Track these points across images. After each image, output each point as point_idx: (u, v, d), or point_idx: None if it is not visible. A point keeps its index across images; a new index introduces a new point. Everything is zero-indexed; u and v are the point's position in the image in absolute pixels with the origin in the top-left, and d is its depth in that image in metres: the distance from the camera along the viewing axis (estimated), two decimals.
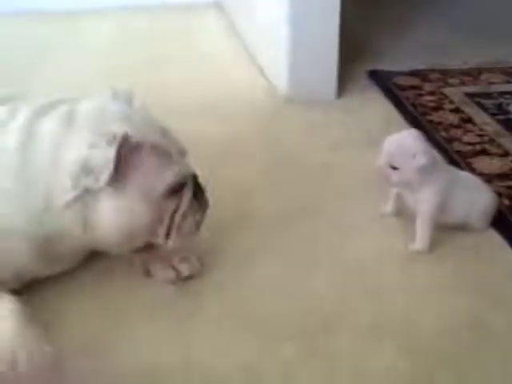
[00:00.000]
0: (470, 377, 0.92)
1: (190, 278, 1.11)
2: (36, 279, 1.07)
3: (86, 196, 0.98)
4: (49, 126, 1.01)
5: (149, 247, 1.10)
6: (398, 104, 1.87)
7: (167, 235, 1.07)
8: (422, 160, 1.14)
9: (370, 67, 2.15)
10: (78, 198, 0.98)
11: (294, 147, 1.63)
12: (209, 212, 1.12)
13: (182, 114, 1.77)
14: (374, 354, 0.95)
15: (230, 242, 1.23)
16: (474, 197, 1.22)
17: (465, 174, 1.30)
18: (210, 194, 1.12)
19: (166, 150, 1.03)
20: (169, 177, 1.03)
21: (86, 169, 0.96)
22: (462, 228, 1.23)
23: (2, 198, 0.99)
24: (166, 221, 1.06)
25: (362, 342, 0.98)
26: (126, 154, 0.97)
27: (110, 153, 0.95)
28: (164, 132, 1.06)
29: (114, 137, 0.96)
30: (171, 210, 1.05)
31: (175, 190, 1.05)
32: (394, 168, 1.16)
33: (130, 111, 1.06)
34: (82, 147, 0.97)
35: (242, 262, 1.17)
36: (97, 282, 1.12)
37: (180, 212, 1.07)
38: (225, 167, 1.50)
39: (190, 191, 1.08)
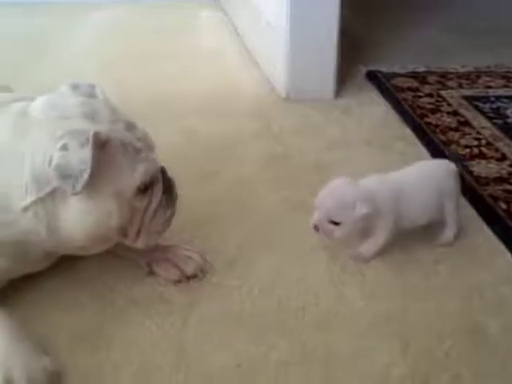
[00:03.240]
0: (466, 379, 0.91)
1: (194, 277, 1.10)
2: (16, 279, 1.05)
3: (49, 198, 0.93)
4: (1, 124, 0.97)
5: (153, 247, 1.08)
6: (396, 105, 1.87)
7: (137, 235, 1.03)
8: (363, 209, 1.07)
9: (368, 68, 2.15)
10: (39, 201, 0.93)
11: (291, 146, 1.62)
12: (204, 207, 1.10)
13: (179, 110, 1.78)
14: (370, 355, 0.95)
15: (227, 237, 1.22)
16: (430, 194, 1.16)
17: (415, 171, 1.21)
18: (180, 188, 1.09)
19: (134, 145, 0.98)
20: (138, 175, 0.97)
21: (62, 174, 0.90)
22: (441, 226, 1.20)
23: None
24: (137, 220, 1.01)
25: (358, 342, 0.97)
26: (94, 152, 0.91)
27: (86, 156, 0.89)
28: (130, 126, 1.01)
29: (87, 137, 0.90)
30: (142, 208, 1.01)
31: (145, 188, 1.00)
32: (335, 223, 1.10)
33: (93, 106, 1.00)
34: (48, 148, 0.91)
35: (238, 257, 1.16)
36: (93, 277, 1.11)
37: (151, 210, 1.02)
38: (222, 164, 1.50)
39: (160, 188, 1.03)
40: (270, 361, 0.94)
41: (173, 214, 1.07)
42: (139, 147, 0.99)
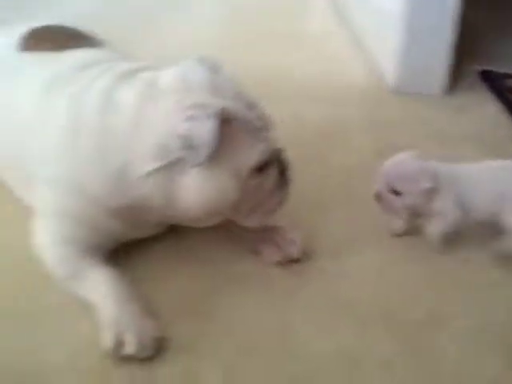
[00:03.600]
0: None
1: (296, 260, 1.09)
2: (125, 243, 1.07)
3: (170, 168, 0.95)
4: (130, 92, 0.99)
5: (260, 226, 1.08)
6: (509, 108, 1.79)
7: (249, 213, 1.04)
8: (426, 184, 1.08)
9: (482, 67, 2.06)
10: (161, 169, 0.95)
11: (396, 138, 1.58)
12: (311, 193, 1.09)
13: (287, 94, 1.76)
14: (478, 362, 0.92)
15: (332, 223, 1.21)
16: (498, 187, 1.13)
17: (481, 167, 1.18)
18: (294, 173, 1.08)
19: (255, 124, 0.99)
20: (257, 153, 0.98)
21: (187, 144, 0.92)
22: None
23: (80, 157, 0.99)
24: (251, 198, 1.02)
25: (466, 345, 0.94)
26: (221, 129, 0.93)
27: (211, 129, 0.91)
28: (251, 105, 1.01)
29: (214, 111, 0.91)
30: (257, 187, 1.01)
31: (262, 167, 1.00)
32: (397, 193, 1.10)
33: (217, 81, 1.01)
34: (175, 117, 0.94)
35: (342, 245, 1.15)
36: (198, 248, 1.12)
37: (265, 189, 1.03)
38: (329, 152, 1.48)
39: (276, 168, 1.04)
40: (374, 353, 0.92)
41: (286, 196, 1.07)
42: (259, 126, 1.00)
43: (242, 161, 0.97)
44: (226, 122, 0.94)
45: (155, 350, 0.90)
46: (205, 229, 1.09)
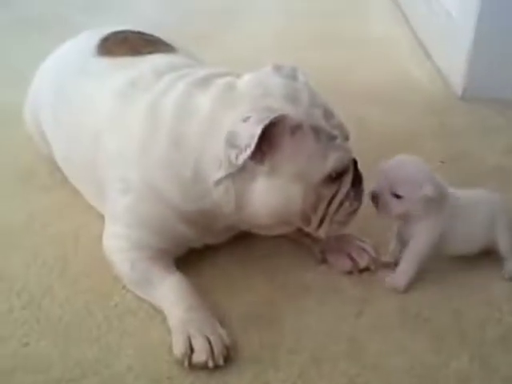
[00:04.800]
0: None
1: (366, 269, 1.08)
2: (195, 251, 1.08)
3: (239, 174, 0.95)
4: (206, 98, 0.99)
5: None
6: None
7: (320, 223, 1.01)
8: (429, 191, 1.01)
9: None
10: (230, 176, 0.95)
11: (466, 146, 1.54)
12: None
13: (351, 98, 1.74)
14: None
15: None
16: (489, 218, 1.07)
17: (474, 195, 1.12)
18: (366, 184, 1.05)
19: (329, 133, 0.97)
20: (329, 163, 0.96)
21: (230, 142, 0.92)
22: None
23: (156, 162, 0.99)
24: (321, 208, 1.00)
25: None
26: (284, 134, 0.92)
27: (256, 132, 0.89)
28: (328, 113, 1.00)
29: (268, 116, 0.90)
30: (328, 197, 0.99)
31: (335, 177, 0.99)
32: (397, 196, 1.03)
33: (294, 88, 1.00)
34: (237, 120, 0.94)
35: None
36: (267, 258, 1.12)
37: (337, 200, 1.00)
38: (390, 158, 1.44)
39: (349, 179, 1.01)
40: (449, 371, 0.89)
41: (358, 207, 1.04)
42: (334, 135, 0.98)
43: (312, 169, 0.96)
44: (293, 131, 0.93)
45: (225, 359, 0.90)
46: (274, 238, 1.08)
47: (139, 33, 1.27)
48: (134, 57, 1.16)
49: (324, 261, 1.10)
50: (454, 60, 1.85)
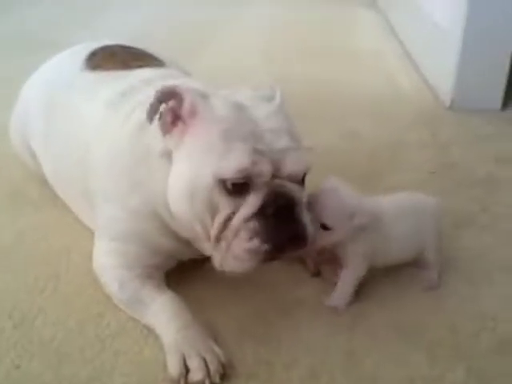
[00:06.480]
0: None
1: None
2: (184, 268, 1.06)
3: (164, 159, 0.94)
4: None
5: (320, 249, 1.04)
6: None
7: (217, 244, 0.91)
8: (362, 219, 0.97)
9: None
10: (165, 156, 0.94)
11: (457, 157, 1.55)
12: None
13: (340, 111, 1.75)
14: None
15: None
16: (414, 228, 1.05)
17: (397, 204, 1.07)
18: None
19: (252, 141, 0.89)
20: (224, 162, 0.87)
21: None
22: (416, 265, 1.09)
23: (135, 185, 0.99)
24: (218, 223, 0.89)
25: None
26: (193, 115, 0.90)
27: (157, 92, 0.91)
28: (287, 134, 0.92)
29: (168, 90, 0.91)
30: (224, 213, 0.89)
31: (233, 189, 0.88)
32: (325, 228, 0.97)
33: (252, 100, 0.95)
34: None
35: (403, 271, 1.11)
36: (259, 273, 1.09)
37: (234, 223, 0.88)
38: (385, 170, 1.45)
39: (256, 203, 0.88)
40: (446, 382, 0.89)
41: (267, 250, 0.87)
42: (261, 149, 0.88)
43: (209, 163, 0.88)
44: (192, 114, 0.91)
45: (221, 376, 0.88)
46: None
47: (127, 47, 1.28)
48: (123, 70, 1.16)
49: (317, 274, 1.10)
50: (441, 71, 1.87)
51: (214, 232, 0.90)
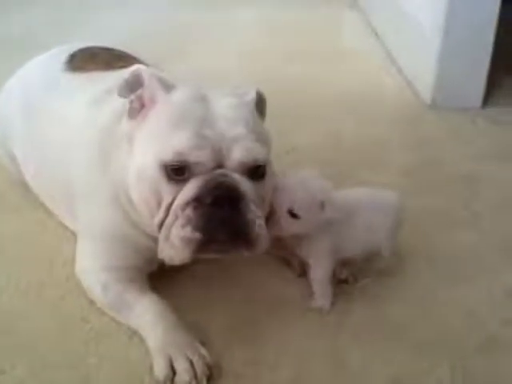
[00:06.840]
0: None
1: (345, 281, 1.08)
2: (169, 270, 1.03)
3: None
4: None
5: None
6: None
7: (159, 229, 0.90)
8: (332, 213, 0.96)
9: None
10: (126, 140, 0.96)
11: (438, 154, 1.56)
12: None
13: (322, 112, 1.75)
14: None
15: None
16: (368, 223, 1.02)
17: (357, 197, 1.06)
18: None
19: (197, 126, 0.88)
20: (164, 150, 0.87)
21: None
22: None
23: (114, 172, 0.99)
24: (163, 209, 0.89)
25: None
26: (153, 99, 0.93)
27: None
28: (245, 125, 0.91)
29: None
30: (167, 198, 0.89)
31: (175, 173, 0.87)
32: (294, 215, 0.97)
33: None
34: None
35: (391, 267, 1.12)
36: (244, 273, 1.11)
37: (173, 210, 0.87)
38: (366, 169, 1.45)
39: (194, 189, 0.86)
40: (431, 379, 0.89)
41: (199, 240, 0.86)
42: (205, 134, 0.88)
43: (157, 144, 0.89)
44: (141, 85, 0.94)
45: (208, 378, 0.88)
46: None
47: (107, 49, 1.27)
48: (102, 72, 1.16)
49: (303, 273, 1.10)
50: (422, 70, 1.88)
51: (157, 219, 0.90)
